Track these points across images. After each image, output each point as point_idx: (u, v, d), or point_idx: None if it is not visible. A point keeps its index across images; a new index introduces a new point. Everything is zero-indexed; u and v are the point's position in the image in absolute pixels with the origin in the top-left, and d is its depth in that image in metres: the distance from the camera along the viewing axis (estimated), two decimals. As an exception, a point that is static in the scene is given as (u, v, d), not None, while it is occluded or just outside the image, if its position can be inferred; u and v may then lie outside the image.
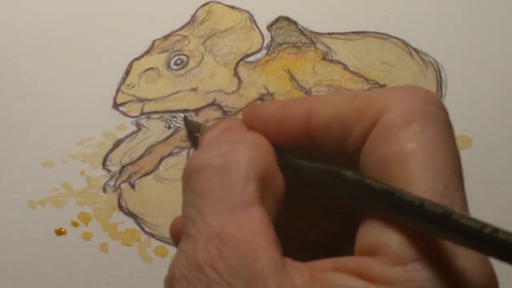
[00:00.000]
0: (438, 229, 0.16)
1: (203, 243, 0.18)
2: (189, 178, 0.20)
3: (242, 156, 0.20)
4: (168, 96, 0.45)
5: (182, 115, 0.44)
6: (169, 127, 0.44)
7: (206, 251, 0.18)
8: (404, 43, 0.46)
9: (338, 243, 0.20)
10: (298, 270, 0.18)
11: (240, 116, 0.24)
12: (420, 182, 0.18)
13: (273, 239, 0.18)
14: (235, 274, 0.17)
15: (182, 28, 0.47)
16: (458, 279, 0.17)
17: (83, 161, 0.42)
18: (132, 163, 0.42)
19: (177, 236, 0.24)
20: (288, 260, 0.18)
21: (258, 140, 0.21)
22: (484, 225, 0.15)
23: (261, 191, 0.20)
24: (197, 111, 0.44)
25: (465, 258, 0.17)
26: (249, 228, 0.18)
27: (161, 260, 0.39)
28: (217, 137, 0.22)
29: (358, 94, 0.21)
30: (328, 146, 0.21)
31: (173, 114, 0.44)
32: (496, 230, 0.15)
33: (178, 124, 0.44)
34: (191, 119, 0.43)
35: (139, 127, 0.44)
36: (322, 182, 0.20)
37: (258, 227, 0.18)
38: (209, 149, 0.21)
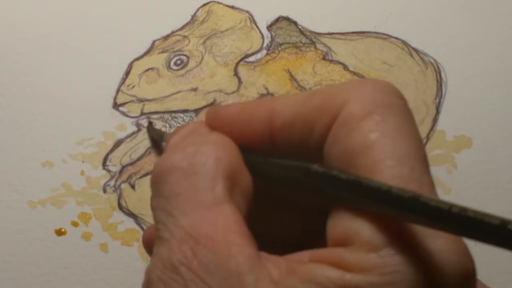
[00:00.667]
0: (407, 213, 0.17)
1: (177, 245, 0.18)
2: (157, 182, 0.21)
3: (208, 157, 0.20)
4: (168, 96, 0.45)
5: (182, 115, 0.44)
6: (169, 127, 0.44)
7: (180, 252, 0.18)
8: (404, 43, 0.46)
9: (311, 239, 0.20)
10: (275, 263, 0.18)
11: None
12: (385, 170, 0.18)
13: (246, 235, 0.19)
14: (211, 272, 0.18)
15: (182, 28, 0.47)
16: (433, 260, 0.17)
17: (83, 161, 0.42)
18: (132, 163, 0.42)
19: (150, 245, 0.24)
20: (264, 254, 0.19)
21: (222, 140, 0.21)
22: (452, 205, 0.16)
23: (230, 189, 0.20)
24: (197, 111, 0.44)
25: (438, 239, 0.17)
26: (221, 225, 0.18)
27: (161, 260, 0.39)
28: (182, 140, 0.22)
29: (318, 90, 0.21)
30: (291, 145, 0.21)
31: (173, 114, 0.44)
32: (464, 209, 0.15)
33: (178, 124, 0.44)
34: (155, 126, 0.43)
35: (139, 127, 0.44)
36: (289, 178, 0.21)
37: (230, 224, 0.19)
38: (174, 152, 0.21)
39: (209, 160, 0.20)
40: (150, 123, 0.42)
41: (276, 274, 0.18)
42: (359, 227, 0.18)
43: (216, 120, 0.22)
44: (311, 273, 0.17)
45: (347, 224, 0.18)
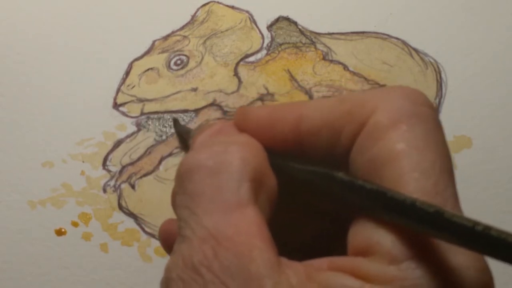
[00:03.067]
0: (430, 228, 0.16)
1: (198, 244, 0.18)
2: (181, 179, 0.20)
3: (235, 157, 0.20)
4: (168, 96, 0.45)
5: (182, 115, 0.44)
6: (169, 127, 0.44)
7: (201, 252, 0.18)
8: (404, 43, 0.46)
9: (329, 244, 0.20)
10: (294, 270, 0.18)
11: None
12: (410, 182, 0.18)
13: (268, 239, 0.19)
14: (231, 274, 0.17)
15: (182, 28, 0.47)
16: (453, 276, 0.17)
17: (83, 161, 0.42)
18: (132, 163, 0.42)
19: (166, 238, 0.24)
20: (284, 260, 0.18)
21: (249, 141, 0.21)
22: (476, 223, 0.15)
23: (255, 191, 0.20)
24: (197, 111, 0.44)
25: (459, 255, 0.17)
26: (243, 228, 0.18)
27: (161, 260, 0.39)
28: (209, 139, 0.22)
29: (346, 97, 0.21)
30: (318, 151, 0.21)
31: (173, 115, 0.44)
32: (488, 227, 0.15)
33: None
34: (182, 123, 0.43)
35: (139, 127, 0.44)
36: (313, 184, 0.20)
37: (252, 227, 0.19)
38: (201, 151, 0.21)
39: (235, 161, 0.20)
40: (176, 120, 0.42)
41: (294, 280, 0.18)
42: (381, 238, 0.18)
43: (244, 121, 0.22)
44: (329, 281, 0.17)
45: (369, 234, 0.18)
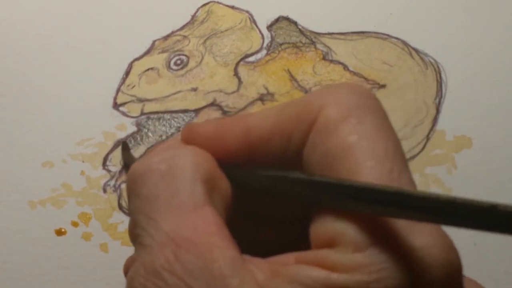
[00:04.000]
0: (394, 208, 0.17)
1: (159, 249, 0.18)
2: (134, 185, 0.20)
3: (186, 160, 0.20)
4: (168, 96, 0.45)
5: (182, 115, 0.44)
6: (169, 127, 0.44)
7: (162, 257, 0.18)
8: (404, 43, 0.46)
9: (297, 248, 0.20)
10: (259, 266, 0.18)
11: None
12: (365, 171, 0.18)
13: (228, 237, 0.19)
14: (194, 276, 0.17)
15: (182, 28, 0.47)
16: (418, 256, 0.17)
17: (83, 161, 0.42)
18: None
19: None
20: (247, 257, 0.19)
21: (198, 148, 0.21)
22: (439, 195, 0.16)
23: (208, 193, 0.20)
24: (197, 111, 0.44)
25: (423, 235, 0.17)
26: (202, 228, 0.18)
27: (161, 260, 0.39)
28: (158, 150, 0.22)
29: (292, 100, 0.21)
30: (270, 158, 0.21)
31: (173, 114, 0.44)
32: (452, 197, 0.16)
33: (178, 124, 0.44)
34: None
35: (139, 127, 0.44)
36: (270, 188, 0.21)
37: (211, 226, 0.19)
38: (152, 156, 0.21)
39: (187, 163, 0.20)
40: (125, 144, 0.42)
41: (260, 276, 0.18)
42: (343, 228, 0.18)
43: (191, 137, 0.22)
44: (296, 274, 0.17)
45: (331, 226, 0.18)
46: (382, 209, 0.17)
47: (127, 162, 0.37)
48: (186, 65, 0.46)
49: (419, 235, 0.17)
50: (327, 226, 0.18)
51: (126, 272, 0.24)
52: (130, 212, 0.21)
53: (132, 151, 0.43)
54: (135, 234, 0.20)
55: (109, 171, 0.42)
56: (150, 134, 0.43)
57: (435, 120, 0.43)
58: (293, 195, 0.20)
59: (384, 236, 0.17)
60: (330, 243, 0.18)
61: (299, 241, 0.21)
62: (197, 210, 0.19)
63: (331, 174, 0.19)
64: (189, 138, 0.22)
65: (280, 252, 0.19)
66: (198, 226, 0.18)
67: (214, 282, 0.17)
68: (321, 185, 0.19)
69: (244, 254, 0.18)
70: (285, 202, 0.21)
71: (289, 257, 0.19)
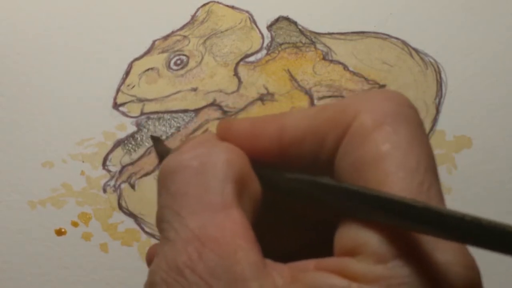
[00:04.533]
0: (419, 223, 0.17)
1: (183, 246, 0.18)
2: (165, 180, 0.20)
3: (219, 158, 0.20)
4: (168, 96, 0.45)
5: (182, 115, 0.44)
6: (169, 127, 0.44)
7: (185, 254, 0.18)
8: (404, 43, 0.46)
9: (318, 254, 0.20)
10: (279, 271, 0.18)
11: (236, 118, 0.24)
12: (395, 182, 0.18)
13: (252, 240, 0.18)
14: (216, 276, 0.17)
15: (182, 28, 0.47)
16: (440, 272, 0.17)
17: (83, 161, 0.42)
18: (132, 163, 0.42)
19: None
20: (268, 261, 0.18)
21: (232, 146, 0.21)
22: (465, 215, 0.16)
23: (238, 193, 0.20)
24: (197, 111, 0.44)
25: (446, 252, 0.17)
26: (228, 229, 0.18)
27: (161, 260, 0.39)
28: (192, 145, 0.22)
29: (328, 104, 0.21)
30: (302, 160, 0.21)
31: (173, 115, 0.44)
32: (477, 218, 0.15)
33: (178, 124, 0.44)
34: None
35: (139, 127, 0.44)
36: (299, 192, 0.20)
37: (237, 228, 0.18)
38: (185, 152, 0.20)
39: (219, 161, 0.20)
40: (157, 138, 0.42)
41: (280, 282, 0.18)
42: (367, 238, 0.18)
43: (227, 133, 0.22)
44: (315, 281, 0.17)
45: (355, 235, 0.18)
46: (407, 223, 0.17)
47: (162, 153, 0.37)
48: (186, 65, 0.46)
49: (442, 251, 0.17)
50: (351, 234, 0.18)
51: (148, 260, 0.24)
52: (158, 205, 0.20)
53: (130, 152, 0.43)
54: (161, 228, 0.20)
55: (109, 171, 0.42)
56: (150, 134, 0.43)
57: (435, 120, 0.43)
58: (321, 200, 0.20)
59: (408, 250, 0.17)
60: (352, 252, 0.18)
61: (320, 246, 0.21)
62: (225, 210, 0.19)
63: (361, 181, 0.19)
64: (225, 134, 0.22)
65: (299, 254, 0.19)
66: (224, 226, 0.18)
67: (235, 284, 0.17)
68: (350, 193, 0.18)
69: (266, 258, 0.18)
70: (311, 206, 0.21)
71: (309, 264, 0.18)
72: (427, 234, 0.17)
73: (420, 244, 0.17)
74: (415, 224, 0.17)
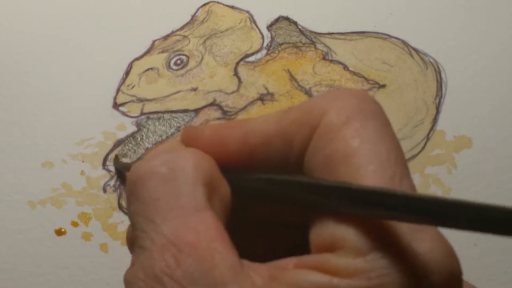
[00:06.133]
0: (398, 211, 0.17)
1: (159, 253, 0.18)
2: (134, 187, 0.20)
3: (187, 163, 0.20)
4: (168, 96, 0.45)
5: (182, 115, 0.44)
6: (169, 127, 0.44)
7: (163, 261, 0.18)
8: (404, 43, 0.46)
9: (294, 254, 0.20)
10: (258, 271, 0.18)
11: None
12: (367, 175, 0.18)
13: (228, 242, 0.18)
14: (195, 281, 0.17)
15: (182, 28, 0.47)
16: (419, 261, 0.17)
17: (83, 161, 0.42)
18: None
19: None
20: (246, 262, 0.18)
21: (199, 151, 0.21)
22: (443, 197, 0.16)
23: (209, 197, 0.20)
24: (197, 111, 0.44)
25: (424, 241, 0.17)
26: (203, 233, 0.18)
27: (161, 260, 0.39)
28: (159, 151, 0.22)
29: (294, 106, 0.21)
30: (270, 163, 0.21)
31: (173, 114, 0.44)
32: (458, 200, 0.16)
33: (178, 124, 0.44)
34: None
35: (139, 127, 0.44)
36: (270, 192, 0.20)
37: (212, 231, 0.18)
38: (152, 159, 0.20)
39: (188, 166, 0.20)
40: (116, 156, 0.42)
41: (259, 282, 0.17)
42: (344, 232, 0.18)
43: (191, 140, 0.22)
44: (296, 279, 0.17)
45: (332, 230, 0.18)
46: (385, 213, 0.17)
47: (121, 168, 0.37)
48: (186, 65, 0.46)
49: (420, 240, 0.17)
50: (328, 230, 0.18)
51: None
52: (129, 214, 0.20)
53: (129, 153, 0.43)
54: (134, 237, 0.20)
55: (109, 171, 0.42)
56: (150, 134, 0.43)
57: (435, 120, 0.43)
58: (294, 199, 0.20)
59: (386, 241, 0.17)
60: (331, 248, 0.18)
61: (299, 247, 0.21)
62: (198, 214, 0.19)
63: (333, 178, 0.19)
64: (189, 141, 0.22)
65: (279, 258, 0.19)
66: (199, 230, 0.18)
67: None
68: (323, 188, 0.18)
69: (242, 259, 0.18)
70: (284, 207, 0.21)
71: (288, 262, 0.18)
72: (406, 221, 0.17)
73: (397, 235, 0.17)
74: (393, 212, 0.17)
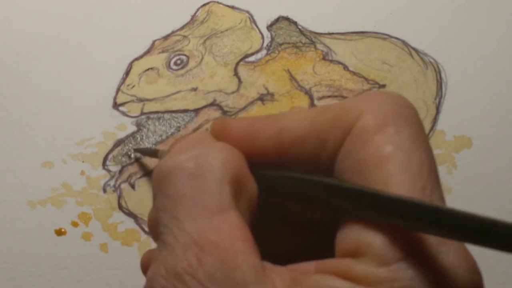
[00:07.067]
0: (427, 223, 0.16)
1: (182, 251, 0.18)
2: (160, 182, 0.20)
3: (215, 159, 0.20)
4: (168, 96, 0.45)
5: (182, 115, 0.44)
6: (169, 127, 0.44)
7: (185, 260, 0.18)
8: (404, 43, 0.46)
9: (316, 255, 0.19)
10: (279, 274, 0.18)
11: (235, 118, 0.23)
12: (398, 184, 0.18)
13: (251, 243, 0.18)
14: (216, 281, 0.17)
15: (182, 28, 0.47)
16: (443, 275, 0.17)
17: (83, 161, 0.42)
18: (132, 163, 0.42)
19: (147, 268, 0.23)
20: (268, 264, 0.18)
21: (229, 147, 0.21)
22: (474, 215, 0.16)
23: (235, 195, 0.19)
24: (197, 111, 0.44)
25: (449, 255, 0.17)
26: (227, 233, 0.18)
27: (161, 260, 0.39)
28: (186, 145, 0.22)
29: (330, 105, 0.21)
30: (301, 161, 0.21)
31: (173, 114, 0.44)
32: (489, 218, 0.15)
33: (178, 124, 0.44)
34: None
35: (139, 127, 0.44)
36: (298, 192, 0.20)
37: (236, 231, 0.18)
38: (180, 153, 0.20)
39: (216, 162, 0.19)
40: (135, 149, 0.42)
41: (280, 285, 0.17)
42: (371, 239, 0.17)
43: (222, 132, 0.22)
44: (317, 284, 0.17)
45: (358, 236, 0.18)
46: (413, 223, 0.17)
47: (146, 154, 0.36)
48: (186, 65, 0.46)
49: (446, 254, 0.17)
50: (354, 235, 0.18)
51: (143, 266, 0.24)
52: (155, 208, 0.20)
53: (129, 154, 0.43)
54: (158, 232, 0.19)
55: (109, 171, 0.42)
56: (150, 134, 0.43)
57: (435, 120, 0.43)
58: (324, 201, 0.19)
59: (412, 252, 0.17)
60: (355, 253, 0.18)
61: (318, 246, 0.20)
62: (222, 213, 0.19)
63: (363, 182, 0.18)
64: (221, 133, 0.22)
65: (298, 257, 0.19)
66: (223, 230, 0.18)
67: None
68: (354, 192, 0.18)
69: (265, 261, 0.18)
70: (310, 207, 0.21)
71: (310, 266, 0.18)
72: (432, 233, 0.17)
73: (423, 246, 0.17)
74: (422, 224, 0.17)
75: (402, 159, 0.18)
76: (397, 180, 0.18)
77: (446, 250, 0.17)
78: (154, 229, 0.20)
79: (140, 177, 0.42)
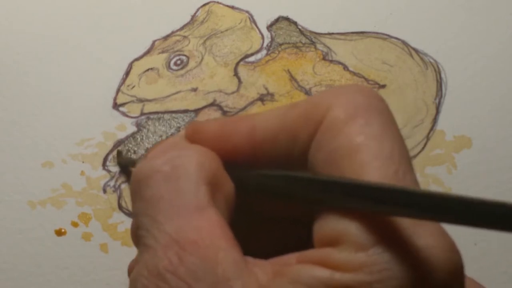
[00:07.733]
0: (400, 207, 0.17)
1: (162, 251, 0.18)
2: (138, 187, 0.20)
3: (190, 161, 0.20)
4: (168, 96, 0.45)
5: (182, 115, 0.44)
6: (169, 128, 0.44)
7: (166, 259, 0.18)
8: (404, 43, 0.46)
9: (297, 249, 0.20)
10: (261, 268, 0.18)
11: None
12: (371, 171, 0.18)
13: (231, 239, 0.18)
14: (198, 279, 0.17)
15: (182, 28, 0.47)
16: (421, 256, 0.17)
17: (83, 162, 0.42)
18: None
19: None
20: (250, 259, 0.18)
21: (203, 148, 0.21)
22: (446, 193, 0.16)
23: (212, 194, 0.20)
24: (197, 111, 0.44)
25: (426, 236, 0.17)
26: (206, 230, 0.18)
27: (161, 260, 0.39)
28: (161, 151, 0.22)
29: (299, 101, 0.21)
30: (275, 158, 0.21)
31: (173, 115, 0.44)
32: (461, 195, 0.16)
33: (178, 125, 0.44)
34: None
35: (139, 127, 0.44)
36: (274, 188, 0.20)
37: (215, 229, 0.18)
38: (156, 157, 0.20)
39: (191, 164, 0.20)
40: (118, 151, 0.42)
41: (263, 278, 0.18)
42: (347, 227, 0.18)
43: (196, 135, 0.22)
44: (299, 274, 0.17)
45: (334, 225, 0.18)
46: (387, 208, 0.17)
47: (126, 163, 0.37)
48: (186, 65, 0.46)
49: (422, 235, 0.17)
50: (330, 225, 0.18)
51: (129, 272, 0.24)
52: (133, 213, 0.20)
53: (129, 154, 0.43)
54: (138, 235, 0.20)
55: (109, 171, 0.42)
56: (150, 134, 0.43)
57: (435, 120, 0.43)
58: (297, 194, 0.20)
59: (387, 236, 0.17)
60: (333, 242, 0.18)
61: (302, 242, 0.21)
62: (201, 212, 0.19)
63: (336, 173, 0.19)
64: (193, 136, 0.22)
65: (283, 253, 0.19)
66: (202, 228, 0.18)
67: (218, 285, 0.17)
68: (326, 183, 0.19)
69: (246, 256, 0.18)
70: (288, 202, 0.21)
71: (291, 257, 0.19)
72: (408, 216, 0.17)
73: (399, 230, 0.17)
74: (395, 208, 0.17)
75: (373, 147, 0.18)
76: (370, 167, 0.18)
77: (421, 231, 0.17)
78: (135, 234, 0.21)
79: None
